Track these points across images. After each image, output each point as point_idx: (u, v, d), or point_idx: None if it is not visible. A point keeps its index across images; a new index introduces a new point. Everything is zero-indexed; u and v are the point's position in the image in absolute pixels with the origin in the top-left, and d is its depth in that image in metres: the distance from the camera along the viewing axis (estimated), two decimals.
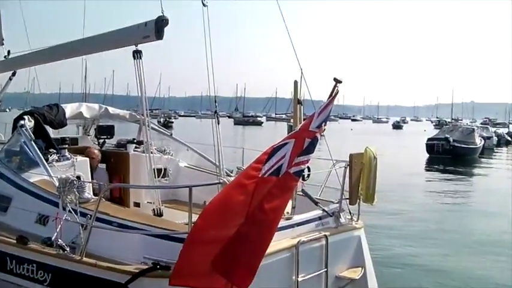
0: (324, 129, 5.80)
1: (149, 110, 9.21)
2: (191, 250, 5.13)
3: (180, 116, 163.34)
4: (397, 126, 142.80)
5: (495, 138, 67.34)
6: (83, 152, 9.58)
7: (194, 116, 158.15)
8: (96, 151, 9.88)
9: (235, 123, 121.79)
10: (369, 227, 9.02)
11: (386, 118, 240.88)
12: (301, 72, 7.34)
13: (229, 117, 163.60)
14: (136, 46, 7.97)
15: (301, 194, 7.76)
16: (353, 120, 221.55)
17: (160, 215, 8.10)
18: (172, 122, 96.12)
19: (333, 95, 5.98)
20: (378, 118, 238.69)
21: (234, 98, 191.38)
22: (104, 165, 9.87)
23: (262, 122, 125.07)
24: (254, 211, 5.10)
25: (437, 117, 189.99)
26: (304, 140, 5.57)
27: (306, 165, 5.59)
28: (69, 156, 8.60)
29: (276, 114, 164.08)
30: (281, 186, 5.33)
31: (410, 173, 33.83)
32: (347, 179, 7.61)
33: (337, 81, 5.95)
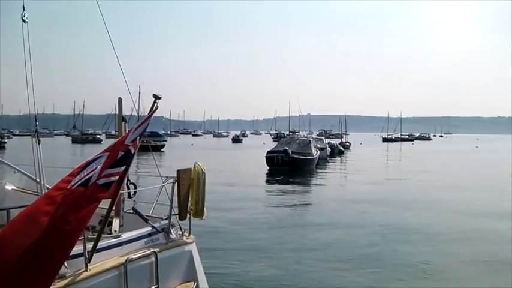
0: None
1: None
2: None
3: (15, 135, 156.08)
4: (236, 140, 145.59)
5: (328, 149, 70.76)
6: None
7: (30, 135, 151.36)
8: None
9: (73, 142, 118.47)
10: (202, 241, 9.07)
11: (227, 132, 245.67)
12: (133, 90, 7.28)
13: (66, 135, 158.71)
14: None
15: (131, 211, 7.70)
16: (194, 135, 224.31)
17: None
18: (5, 142, 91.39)
19: (153, 110, 5.99)
20: (218, 132, 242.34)
21: (71, 116, 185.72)
22: None
23: (101, 140, 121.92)
24: (57, 221, 5.00)
25: (276, 130, 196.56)
26: (118, 153, 5.56)
27: (117, 177, 5.53)
28: None
29: (115, 131, 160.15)
30: (88, 196, 5.27)
31: (251, 185, 34.62)
32: (177, 194, 7.63)
33: (156, 97, 5.98)
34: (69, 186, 5.29)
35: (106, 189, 5.43)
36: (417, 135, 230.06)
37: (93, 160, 5.54)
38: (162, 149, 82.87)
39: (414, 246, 16.51)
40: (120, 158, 5.57)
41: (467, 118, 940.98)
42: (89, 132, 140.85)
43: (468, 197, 29.64)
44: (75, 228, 5.16)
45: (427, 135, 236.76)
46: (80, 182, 5.31)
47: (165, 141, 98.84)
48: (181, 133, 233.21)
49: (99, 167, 5.43)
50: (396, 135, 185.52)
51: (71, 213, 5.08)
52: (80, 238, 5.84)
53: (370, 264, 14.36)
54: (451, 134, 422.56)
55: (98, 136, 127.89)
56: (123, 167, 5.58)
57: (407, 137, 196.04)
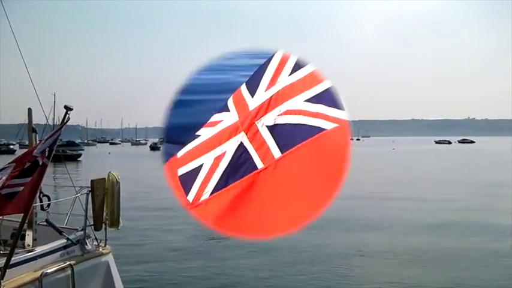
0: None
1: None
2: None
3: None
4: (154, 147, 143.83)
5: None
6: None
7: None
8: None
9: None
10: (120, 251, 8.99)
11: (145, 140, 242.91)
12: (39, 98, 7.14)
13: None
14: None
15: (45, 224, 7.56)
16: (112, 143, 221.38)
17: None
18: None
19: (64, 121, 5.91)
20: (136, 140, 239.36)
21: None
22: None
23: (15, 150, 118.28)
24: None
25: None
26: (25, 164, 5.49)
27: (21, 188, 5.48)
28: None
29: None
30: None
31: (168, 196, 34.06)
32: (91, 205, 7.53)
33: (68, 108, 5.91)
34: None
35: (9, 199, 5.37)
36: None
37: None
38: (78, 159, 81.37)
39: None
40: (26, 168, 5.50)
41: (383, 121, 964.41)
42: (2, 142, 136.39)
43: (392, 206, 30.18)
44: None
45: None
46: None
47: (82, 150, 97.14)
48: (98, 142, 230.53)
49: (4, 177, 5.36)
50: None
51: None
52: None
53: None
54: (368, 136, 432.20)
55: (11, 146, 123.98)
56: (29, 178, 5.51)
57: None
